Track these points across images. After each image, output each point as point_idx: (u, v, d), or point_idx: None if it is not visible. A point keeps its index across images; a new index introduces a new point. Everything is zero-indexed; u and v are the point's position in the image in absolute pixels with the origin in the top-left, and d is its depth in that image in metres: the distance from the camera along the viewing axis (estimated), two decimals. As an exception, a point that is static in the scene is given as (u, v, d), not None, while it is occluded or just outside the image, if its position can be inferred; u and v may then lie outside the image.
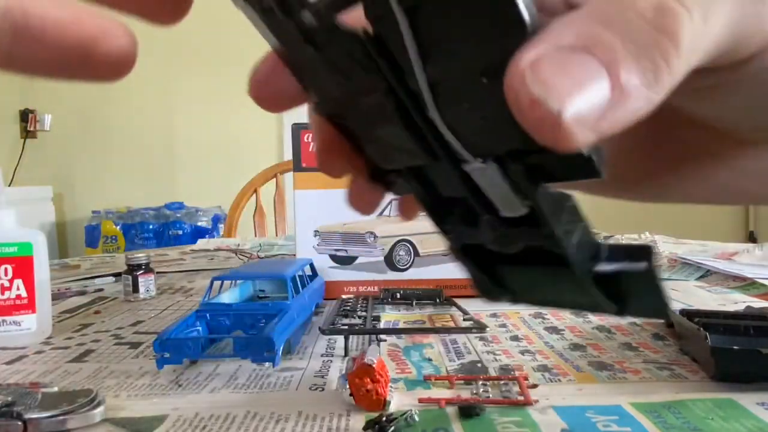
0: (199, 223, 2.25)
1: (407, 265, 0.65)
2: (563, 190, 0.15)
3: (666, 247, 0.97)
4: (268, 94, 0.18)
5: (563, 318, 0.54)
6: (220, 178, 2.40)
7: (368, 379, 0.33)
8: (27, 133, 2.43)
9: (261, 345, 0.39)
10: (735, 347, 0.36)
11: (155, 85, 2.43)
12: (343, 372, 0.38)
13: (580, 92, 0.12)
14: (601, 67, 0.12)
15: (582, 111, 0.12)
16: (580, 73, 0.12)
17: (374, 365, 0.33)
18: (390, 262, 0.65)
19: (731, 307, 0.56)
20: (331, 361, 0.43)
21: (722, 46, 0.15)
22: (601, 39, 0.12)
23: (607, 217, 1.74)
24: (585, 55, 0.12)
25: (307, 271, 0.59)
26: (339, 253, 0.65)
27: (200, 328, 0.45)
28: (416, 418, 0.31)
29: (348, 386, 0.34)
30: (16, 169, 2.43)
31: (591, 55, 0.12)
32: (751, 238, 2.41)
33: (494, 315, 0.56)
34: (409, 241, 0.65)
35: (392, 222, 0.65)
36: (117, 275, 0.81)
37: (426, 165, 0.18)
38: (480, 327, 0.50)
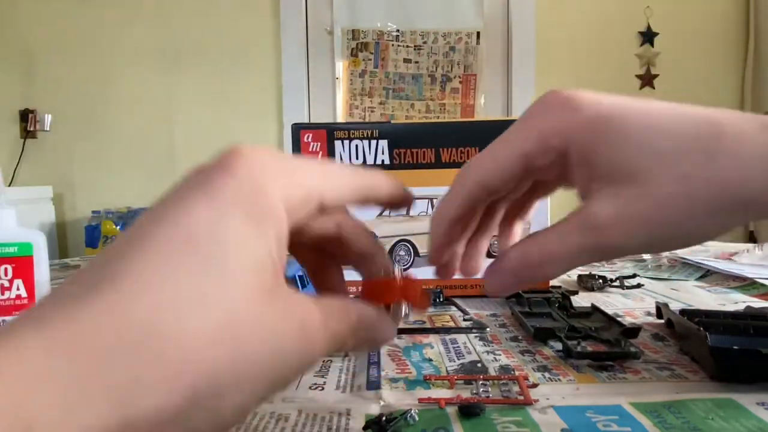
0: (199, 223, 2.24)
1: (407, 265, 0.65)
2: None
3: (666, 247, 0.97)
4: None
5: (563, 318, 0.55)
6: (220, 178, 2.40)
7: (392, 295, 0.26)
8: (27, 133, 2.42)
9: (261, 345, 0.39)
10: (735, 347, 0.36)
11: (155, 85, 2.43)
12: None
13: None
14: None
15: None
16: None
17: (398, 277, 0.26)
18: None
19: (731, 307, 0.56)
20: (331, 361, 0.43)
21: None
22: None
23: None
24: None
25: (307, 271, 0.59)
26: (339, 253, 0.65)
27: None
28: (416, 417, 0.31)
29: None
30: (16, 169, 2.42)
31: None
32: (751, 238, 2.41)
33: (494, 315, 0.56)
34: (409, 241, 0.65)
35: (392, 222, 0.65)
36: (117, 275, 0.81)
37: None
38: (480, 327, 0.50)
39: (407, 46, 2.43)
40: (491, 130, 0.63)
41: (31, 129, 2.43)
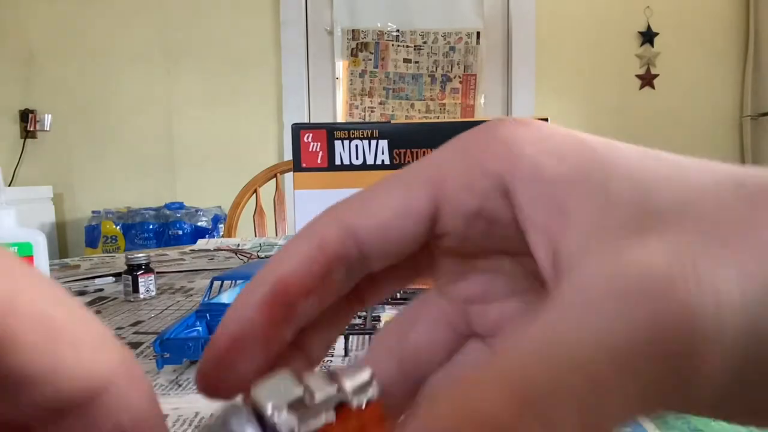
0: (199, 223, 2.24)
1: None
2: None
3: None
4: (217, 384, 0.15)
5: (563, 318, 0.55)
6: (220, 178, 2.40)
7: None
8: (27, 133, 2.42)
9: (261, 345, 0.39)
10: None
11: (155, 86, 2.43)
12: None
13: None
14: None
15: None
16: None
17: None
18: (390, 262, 0.65)
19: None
20: (331, 361, 0.43)
21: None
22: None
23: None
24: None
25: (307, 271, 0.59)
26: (339, 253, 0.65)
27: (200, 328, 0.45)
28: (416, 418, 0.31)
29: None
30: (16, 169, 2.42)
31: None
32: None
33: (494, 315, 0.56)
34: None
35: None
36: (117, 275, 0.81)
37: None
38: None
39: (407, 46, 2.43)
40: (491, 130, 0.64)
41: (31, 129, 2.43)
